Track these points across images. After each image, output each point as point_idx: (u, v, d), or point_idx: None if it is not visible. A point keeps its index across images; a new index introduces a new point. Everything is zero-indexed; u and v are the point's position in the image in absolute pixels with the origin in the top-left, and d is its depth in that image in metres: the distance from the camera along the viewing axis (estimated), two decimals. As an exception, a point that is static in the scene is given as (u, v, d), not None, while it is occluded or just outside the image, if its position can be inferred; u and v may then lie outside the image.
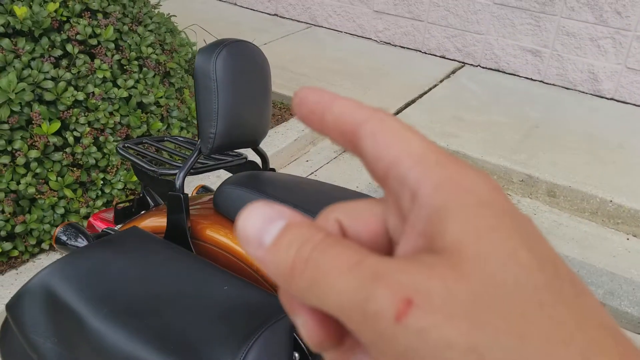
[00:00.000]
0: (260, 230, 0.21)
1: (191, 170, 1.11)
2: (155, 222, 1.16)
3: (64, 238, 1.16)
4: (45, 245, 1.95)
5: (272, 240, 0.21)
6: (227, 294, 0.94)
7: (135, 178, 2.12)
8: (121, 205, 1.28)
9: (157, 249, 1.04)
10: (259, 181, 1.12)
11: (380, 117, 0.22)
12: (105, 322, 0.90)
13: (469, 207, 0.19)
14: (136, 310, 0.91)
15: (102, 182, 2.04)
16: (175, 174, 1.10)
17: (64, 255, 1.08)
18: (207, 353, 0.83)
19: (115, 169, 2.07)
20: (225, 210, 1.08)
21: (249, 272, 1.04)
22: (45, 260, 1.96)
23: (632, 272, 2.41)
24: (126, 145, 1.23)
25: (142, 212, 1.30)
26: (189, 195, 1.41)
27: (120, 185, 2.09)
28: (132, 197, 1.46)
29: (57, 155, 1.90)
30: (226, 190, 1.09)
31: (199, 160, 1.17)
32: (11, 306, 0.98)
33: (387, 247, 0.22)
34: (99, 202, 2.05)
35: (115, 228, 1.22)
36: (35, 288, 0.97)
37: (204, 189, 1.47)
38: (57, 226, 1.95)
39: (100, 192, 2.06)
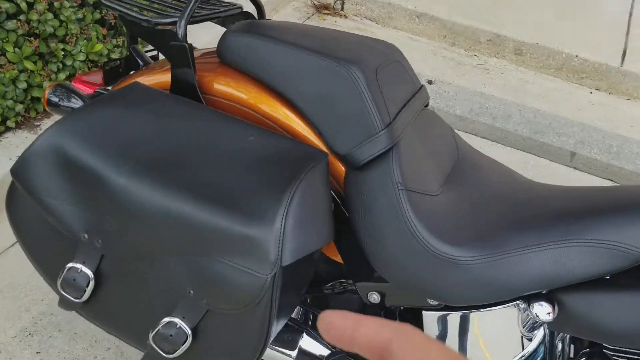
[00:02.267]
0: None
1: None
2: (153, 79, 1.07)
3: (55, 99, 1.07)
4: (10, 123, 1.82)
5: None
6: (254, 143, 0.90)
7: (97, 48, 1.97)
8: (109, 65, 1.18)
9: (168, 102, 0.97)
10: (265, 28, 1.04)
11: (406, 334, 0.24)
12: (131, 177, 0.85)
13: None
14: (162, 164, 0.86)
15: (62, 53, 1.88)
16: (172, 23, 1.00)
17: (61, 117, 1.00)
18: (247, 201, 0.81)
19: (74, 38, 1.90)
20: (232, 60, 1.00)
21: (265, 123, 0.99)
22: (13, 138, 1.84)
23: (597, 124, 2.50)
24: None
25: (132, 72, 1.20)
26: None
27: (81, 57, 1.93)
28: (118, 57, 1.34)
29: (10, 24, 1.72)
30: (232, 39, 1.00)
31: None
32: (18, 171, 0.92)
33: None
34: (62, 75, 1.90)
35: (108, 89, 1.13)
36: (43, 150, 0.90)
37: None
38: (20, 102, 1.82)
39: (61, 65, 1.91)
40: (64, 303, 0.99)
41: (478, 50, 3.02)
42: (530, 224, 0.90)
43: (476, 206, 0.96)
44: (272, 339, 0.87)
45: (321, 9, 3.12)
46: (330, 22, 3.05)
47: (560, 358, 0.99)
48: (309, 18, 3.07)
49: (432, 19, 2.98)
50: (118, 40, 2.13)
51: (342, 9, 3.11)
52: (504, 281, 0.87)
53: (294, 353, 1.03)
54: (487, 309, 0.93)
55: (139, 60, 1.20)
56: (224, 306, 0.84)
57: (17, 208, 0.98)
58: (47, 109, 1.07)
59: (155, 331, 0.90)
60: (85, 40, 1.93)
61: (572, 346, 1.02)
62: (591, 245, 0.84)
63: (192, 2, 0.98)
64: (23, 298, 1.59)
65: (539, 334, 0.98)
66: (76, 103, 1.05)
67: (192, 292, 0.85)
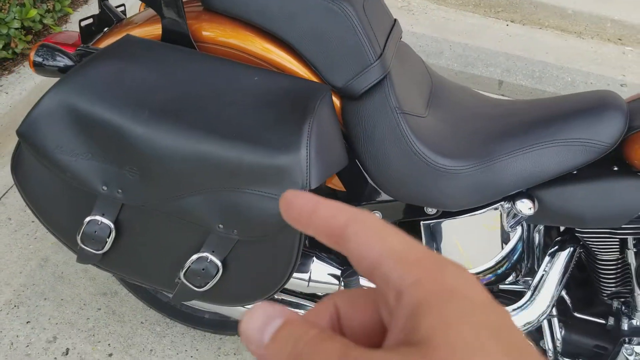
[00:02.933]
0: (261, 329, 0.23)
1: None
2: (141, 32, 1.07)
3: (39, 59, 1.05)
4: (-49, 99, 1.73)
5: (270, 338, 0.23)
6: (260, 83, 0.95)
7: (32, 13, 1.88)
8: (83, 22, 1.17)
9: (166, 51, 0.99)
10: None
11: (361, 218, 0.24)
12: (150, 125, 0.88)
13: (443, 302, 0.20)
14: (176, 109, 0.90)
15: (-4, 21, 1.79)
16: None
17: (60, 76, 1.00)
18: (270, 135, 0.86)
19: (7, 4, 1.81)
20: (219, 5, 1.03)
21: (258, 64, 1.03)
22: (-44, 115, 1.75)
23: (518, 53, 2.70)
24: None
25: (106, 29, 1.20)
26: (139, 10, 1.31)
27: (16, 24, 1.85)
28: (50, 23, 1.30)
29: (-62, -8, 1.62)
30: None
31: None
32: (25, 132, 0.92)
33: (379, 334, 0.24)
34: (-2, 45, 1.82)
35: (89, 46, 1.12)
36: (51, 108, 0.91)
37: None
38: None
39: (-5, 34, 1.82)
40: (84, 257, 1.02)
41: (400, -8, 3.12)
42: (510, 133, 1.02)
43: (460, 124, 1.08)
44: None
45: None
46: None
47: (537, 249, 1.14)
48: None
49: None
50: (48, 4, 2.05)
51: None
52: (493, 184, 1.00)
53: (307, 276, 1.12)
54: (478, 211, 1.05)
55: (112, 16, 1.20)
56: (255, 234, 0.91)
57: (25, 172, 0.99)
58: (34, 71, 1.06)
59: (186, 268, 0.95)
60: (18, 7, 1.85)
61: (544, 238, 1.17)
62: (564, 144, 0.98)
63: (177, -49, 0.99)
64: (0, 273, 1.57)
65: (517, 232, 1.12)
66: (62, 61, 1.04)
67: (221, 226, 0.91)
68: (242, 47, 1.03)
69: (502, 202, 1.05)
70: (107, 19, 1.20)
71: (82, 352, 1.43)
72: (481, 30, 2.92)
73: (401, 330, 0.21)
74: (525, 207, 1.01)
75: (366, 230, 0.23)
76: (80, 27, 1.15)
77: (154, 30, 1.06)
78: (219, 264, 0.94)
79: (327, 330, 0.23)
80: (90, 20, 1.18)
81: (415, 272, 0.21)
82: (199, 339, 1.49)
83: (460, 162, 0.99)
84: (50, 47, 1.05)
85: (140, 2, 1.36)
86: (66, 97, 0.90)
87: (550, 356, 1.16)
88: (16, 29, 1.86)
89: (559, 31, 3.02)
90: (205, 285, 0.97)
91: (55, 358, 1.41)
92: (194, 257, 0.95)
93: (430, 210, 1.06)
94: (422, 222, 1.09)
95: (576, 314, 1.18)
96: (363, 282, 1.11)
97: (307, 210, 0.25)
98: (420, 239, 1.10)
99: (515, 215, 1.05)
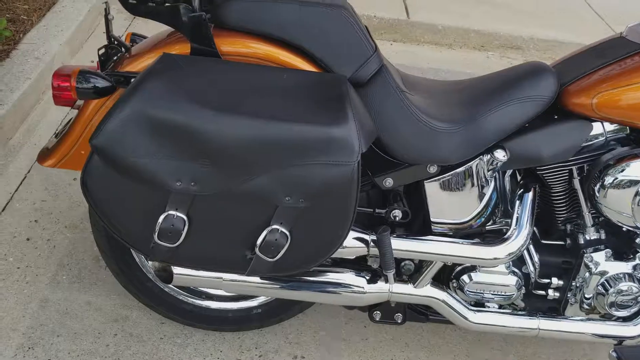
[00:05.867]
0: None
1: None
2: (172, 51, 1.20)
3: (80, 85, 1.14)
4: None
5: None
6: (290, 79, 1.15)
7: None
8: (100, 51, 1.28)
9: (205, 62, 1.15)
10: None
11: None
12: (216, 120, 1.03)
13: None
14: (234, 104, 1.06)
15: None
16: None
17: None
18: (321, 115, 1.06)
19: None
20: (237, 23, 1.18)
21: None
22: None
23: (404, 63, 3.10)
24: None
25: (114, 57, 1.31)
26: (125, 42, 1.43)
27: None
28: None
29: None
30: (237, 5, 1.16)
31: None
32: (101, 143, 1.02)
33: None
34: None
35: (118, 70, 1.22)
36: (122, 120, 1.02)
37: (135, 36, 1.48)
38: None
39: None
40: (157, 253, 1.13)
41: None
42: (478, 100, 1.31)
43: (436, 97, 1.35)
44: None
45: None
46: None
47: (508, 193, 1.43)
48: None
49: None
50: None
51: None
52: (476, 138, 1.28)
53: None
54: (467, 164, 1.31)
55: (119, 46, 1.33)
56: (320, 199, 1.08)
57: (94, 183, 1.08)
58: (75, 97, 1.15)
59: (261, 242, 1.10)
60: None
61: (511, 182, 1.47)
62: (518, 102, 1.29)
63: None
64: (1, 321, 1.54)
65: (491, 185, 1.39)
66: (98, 82, 1.14)
67: (289, 198, 1.07)
68: (263, 56, 1.22)
69: (482, 155, 1.32)
70: (115, 47, 1.32)
71: (113, 375, 1.46)
72: (371, 50, 3.29)
73: None
74: (500, 155, 1.30)
75: None
76: (99, 56, 1.27)
77: (181, 49, 1.21)
78: (288, 233, 1.11)
79: None
80: (103, 50, 1.30)
81: None
82: (219, 342, 1.58)
83: (452, 125, 1.26)
84: (87, 71, 1.15)
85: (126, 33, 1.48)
86: (135, 107, 1.03)
87: (532, 278, 1.45)
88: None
89: (434, 45, 3.50)
90: (278, 255, 1.12)
91: (88, 386, 1.43)
92: (267, 229, 1.10)
93: (432, 169, 1.30)
94: (425, 183, 1.33)
95: (543, 241, 1.48)
96: (394, 241, 1.31)
97: None
98: (425, 198, 1.34)
99: (492, 164, 1.32)
